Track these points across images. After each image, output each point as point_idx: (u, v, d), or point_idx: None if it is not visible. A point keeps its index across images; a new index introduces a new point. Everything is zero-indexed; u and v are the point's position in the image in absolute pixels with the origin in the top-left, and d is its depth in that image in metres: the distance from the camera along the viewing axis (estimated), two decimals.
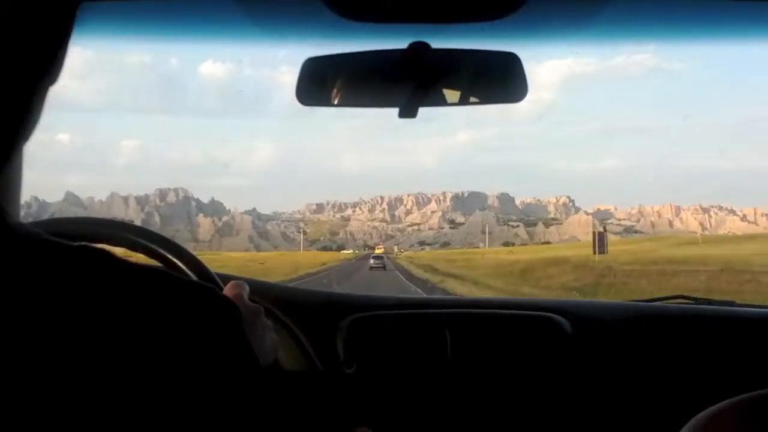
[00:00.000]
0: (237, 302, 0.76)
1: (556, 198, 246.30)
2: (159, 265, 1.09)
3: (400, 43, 1.14)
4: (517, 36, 1.27)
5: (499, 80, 1.21)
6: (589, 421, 1.46)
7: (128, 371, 0.42)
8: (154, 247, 1.11)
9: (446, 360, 1.45)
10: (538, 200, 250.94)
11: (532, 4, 1.09)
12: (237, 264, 49.70)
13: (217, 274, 1.13)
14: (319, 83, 1.21)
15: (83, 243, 0.48)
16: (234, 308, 0.51)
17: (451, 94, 1.22)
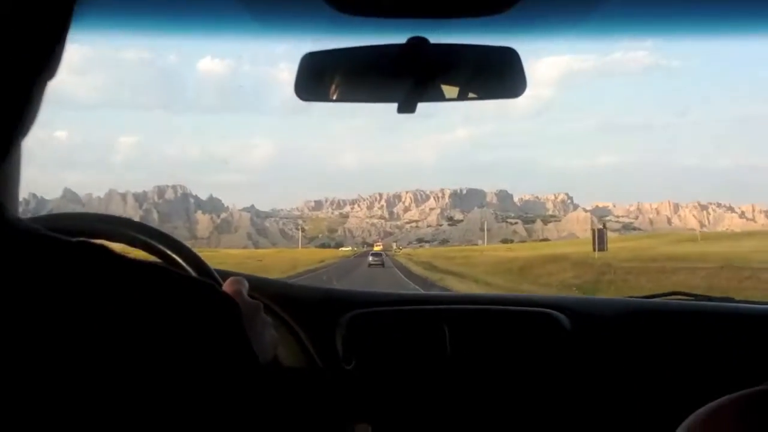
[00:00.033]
0: (236, 298, 0.75)
1: (555, 195, 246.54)
2: (158, 261, 1.09)
3: (399, 38, 1.14)
4: (516, 31, 1.27)
5: (498, 75, 1.21)
6: (589, 417, 1.46)
7: (127, 367, 0.42)
8: (153, 243, 1.10)
9: (445, 356, 1.45)
10: (537, 197, 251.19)
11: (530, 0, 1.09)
12: (235, 261, 49.71)
13: (216, 271, 1.13)
14: (318, 78, 1.21)
15: (82, 239, 0.48)
16: (233, 304, 0.51)
17: (450, 90, 1.22)
